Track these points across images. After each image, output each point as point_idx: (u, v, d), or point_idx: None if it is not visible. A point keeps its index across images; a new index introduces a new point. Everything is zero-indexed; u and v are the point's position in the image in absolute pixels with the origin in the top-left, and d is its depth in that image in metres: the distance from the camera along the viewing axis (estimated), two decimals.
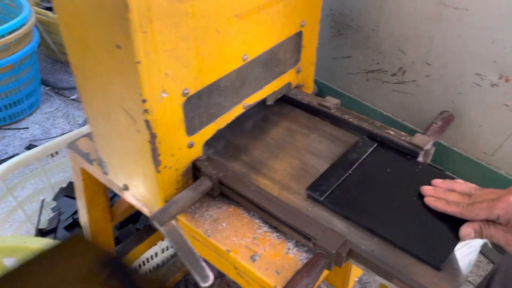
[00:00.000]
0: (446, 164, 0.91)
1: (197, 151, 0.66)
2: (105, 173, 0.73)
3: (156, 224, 0.57)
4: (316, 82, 1.10)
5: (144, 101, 0.53)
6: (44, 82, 1.97)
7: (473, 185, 0.61)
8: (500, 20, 0.72)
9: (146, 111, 0.54)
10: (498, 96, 0.77)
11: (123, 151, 0.64)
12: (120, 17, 0.47)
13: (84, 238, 0.70)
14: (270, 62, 0.74)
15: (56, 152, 1.22)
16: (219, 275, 1.20)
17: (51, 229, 1.30)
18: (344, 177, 0.66)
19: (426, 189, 0.63)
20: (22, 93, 1.72)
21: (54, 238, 1.30)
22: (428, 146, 0.70)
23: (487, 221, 0.55)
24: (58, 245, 0.50)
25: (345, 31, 0.97)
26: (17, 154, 1.28)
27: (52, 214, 1.32)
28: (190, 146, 0.64)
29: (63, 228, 1.29)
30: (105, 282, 0.47)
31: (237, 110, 0.71)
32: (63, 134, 1.63)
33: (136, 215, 1.20)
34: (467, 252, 1.05)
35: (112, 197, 1.18)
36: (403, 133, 0.73)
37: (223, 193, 0.66)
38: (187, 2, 0.52)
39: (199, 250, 0.64)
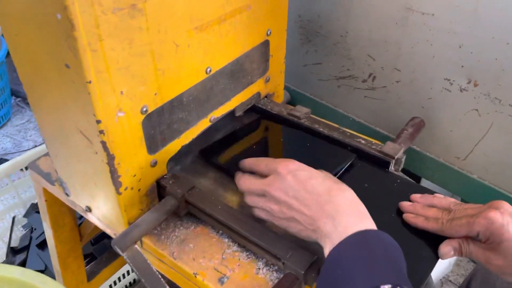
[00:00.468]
0: (420, 169, 0.90)
1: (162, 169, 0.63)
2: (67, 194, 0.70)
3: (118, 250, 0.54)
4: (288, 89, 1.09)
5: (98, 122, 0.50)
6: (14, 93, 1.91)
7: (453, 200, 0.59)
8: (465, 24, 0.71)
9: (101, 132, 0.51)
10: (467, 101, 0.76)
11: (83, 173, 0.61)
12: (66, 36, 0.44)
13: None
14: (236, 73, 0.72)
15: (26, 168, 1.17)
16: None
17: (23, 247, 1.27)
18: None
19: (404, 205, 0.61)
20: None
21: (26, 256, 1.26)
22: (399, 154, 0.69)
23: (467, 238, 0.54)
24: None
25: (314, 37, 0.95)
26: None
27: (24, 232, 1.28)
28: (153, 164, 0.61)
29: (35, 245, 1.26)
30: None
31: (203, 124, 0.69)
32: (36, 146, 1.58)
33: None
34: None
35: (81, 216, 1.14)
36: (374, 142, 0.72)
37: (190, 212, 0.64)
38: (140, 18, 0.49)
39: (166, 272, 0.61)
